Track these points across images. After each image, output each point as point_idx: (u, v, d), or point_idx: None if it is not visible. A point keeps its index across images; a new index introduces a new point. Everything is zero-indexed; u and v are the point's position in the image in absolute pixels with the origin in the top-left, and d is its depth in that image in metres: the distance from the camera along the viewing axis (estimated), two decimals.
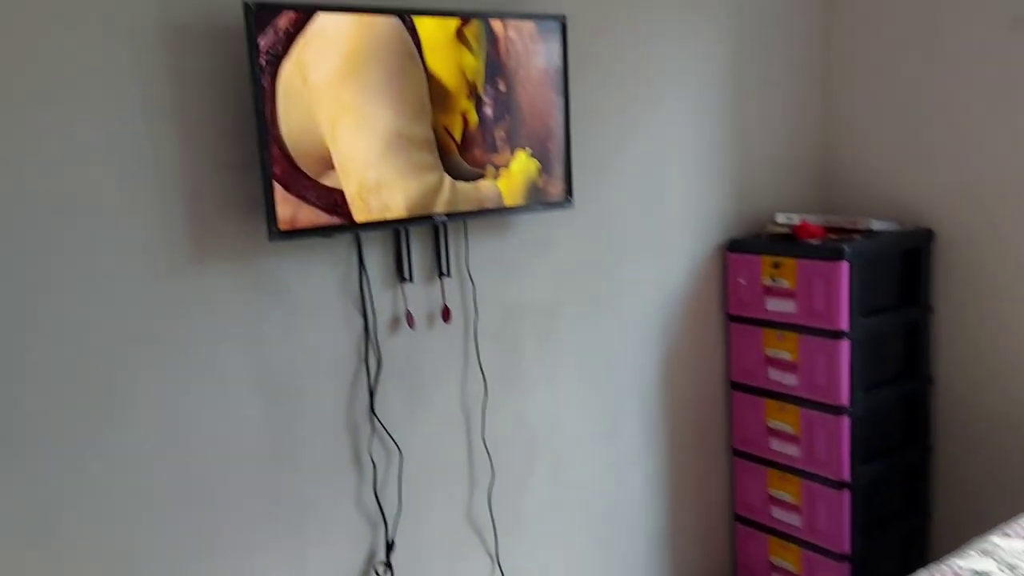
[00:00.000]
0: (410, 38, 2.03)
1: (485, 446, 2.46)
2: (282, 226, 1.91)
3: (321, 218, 1.96)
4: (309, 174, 1.93)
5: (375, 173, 2.01)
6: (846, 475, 2.71)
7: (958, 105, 2.80)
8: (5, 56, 1.69)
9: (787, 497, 2.88)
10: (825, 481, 2.75)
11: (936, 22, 2.82)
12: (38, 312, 1.78)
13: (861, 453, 2.74)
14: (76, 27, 1.76)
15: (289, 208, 1.91)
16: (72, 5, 1.75)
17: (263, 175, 1.88)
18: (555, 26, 2.28)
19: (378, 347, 2.23)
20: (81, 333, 1.83)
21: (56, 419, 1.81)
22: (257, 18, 1.83)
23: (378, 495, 2.27)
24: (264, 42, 1.84)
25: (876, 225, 2.81)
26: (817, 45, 3.12)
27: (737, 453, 3.03)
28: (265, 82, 1.85)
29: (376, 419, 2.25)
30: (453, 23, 2.09)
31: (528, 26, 2.23)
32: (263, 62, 1.84)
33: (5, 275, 1.74)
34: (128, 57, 1.82)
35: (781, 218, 2.90)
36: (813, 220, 2.86)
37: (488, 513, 2.49)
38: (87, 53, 1.78)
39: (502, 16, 2.18)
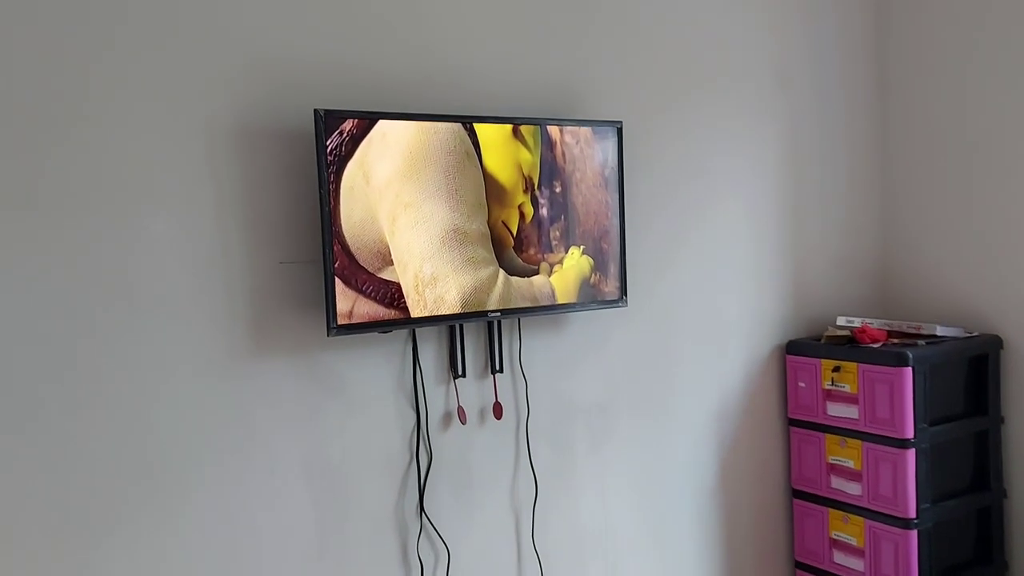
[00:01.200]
0: (469, 139, 2.11)
1: (535, 549, 2.40)
2: (340, 320, 1.96)
3: (378, 311, 2.00)
4: (368, 268, 1.99)
5: (431, 267, 2.06)
6: None
7: None
8: (89, 154, 1.81)
9: None
10: None
11: (1001, 123, 2.81)
12: (101, 393, 1.83)
13: (932, 571, 2.60)
14: (156, 130, 1.88)
15: (347, 301, 1.96)
16: (153, 111, 1.87)
17: (325, 270, 1.94)
18: (611, 131, 2.34)
19: (429, 443, 2.23)
20: (144, 420, 1.88)
21: (109, 505, 1.84)
22: (327, 123, 1.93)
23: None
24: (331, 145, 1.93)
25: (941, 330, 2.75)
26: (875, 145, 3.13)
27: (800, 565, 2.90)
28: (330, 182, 1.93)
29: (425, 517, 2.22)
30: (510, 125, 2.17)
31: (584, 131, 2.29)
32: (329, 163, 1.93)
33: (74, 358, 1.80)
34: (202, 158, 1.93)
35: (842, 321, 2.85)
36: (875, 324, 2.81)
37: None
38: (165, 154, 1.89)
39: (559, 122, 2.25)
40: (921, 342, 2.69)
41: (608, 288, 2.36)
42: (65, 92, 1.78)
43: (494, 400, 2.32)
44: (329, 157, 1.93)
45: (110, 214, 1.83)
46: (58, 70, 1.77)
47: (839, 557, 2.76)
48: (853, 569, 2.71)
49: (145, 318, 1.87)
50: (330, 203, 1.93)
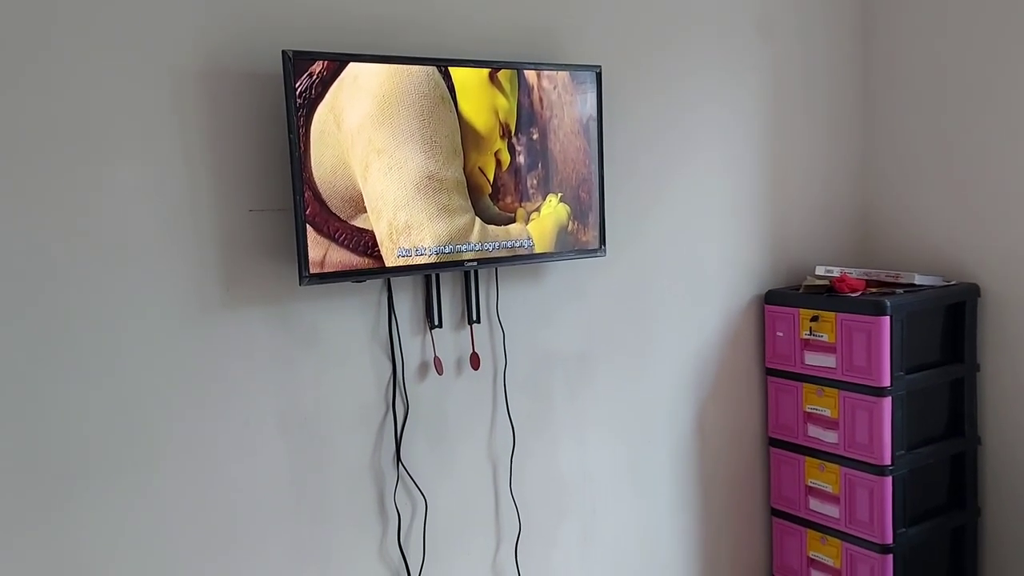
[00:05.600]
0: (444, 83, 2.05)
1: (512, 498, 2.41)
2: (313, 269, 1.91)
3: (352, 260, 1.96)
4: (340, 216, 1.94)
5: (405, 214, 2.02)
6: (889, 538, 2.60)
7: (1004, 158, 2.74)
8: (51, 100, 1.74)
9: (828, 560, 2.76)
10: (867, 544, 2.64)
11: (981, 74, 2.78)
12: (65, 343, 1.79)
13: (905, 515, 2.64)
14: (121, 73, 1.81)
15: (320, 250, 1.92)
16: (117, 52, 1.80)
17: (296, 218, 1.89)
18: (590, 76, 2.29)
19: (406, 394, 2.21)
20: (113, 372, 1.84)
21: (76, 458, 1.81)
22: (295, 65, 1.86)
23: (402, 545, 2.23)
24: (300, 87, 1.87)
25: (919, 279, 2.74)
26: (856, 95, 3.09)
27: (775, 512, 2.93)
28: (300, 126, 1.87)
29: (402, 467, 2.22)
30: (487, 70, 2.12)
31: (562, 76, 2.24)
32: (298, 107, 1.87)
33: (43, 313, 1.76)
34: (169, 102, 1.86)
35: (820, 271, 2.84)
36: (854, 274, 2.80)
37: (515, 567, 2.42)
38: (130, 98, 1.82)
39: (537, 67, 2.20)
40: (899, 291, 2.69)
41: (586, 237, 2.33)
42: (25, 36, 1.70)
43: (471, 350, 2.30)
44: (298, 100, 1.87)
45: (74, 160, 1.77)
46: (17, 12, 1.69)
47: (815, 504, 2.79)
48: (828, 515, 2.75)
49: (112, 267, 1.82)
50: (300, 148, 1.88)
